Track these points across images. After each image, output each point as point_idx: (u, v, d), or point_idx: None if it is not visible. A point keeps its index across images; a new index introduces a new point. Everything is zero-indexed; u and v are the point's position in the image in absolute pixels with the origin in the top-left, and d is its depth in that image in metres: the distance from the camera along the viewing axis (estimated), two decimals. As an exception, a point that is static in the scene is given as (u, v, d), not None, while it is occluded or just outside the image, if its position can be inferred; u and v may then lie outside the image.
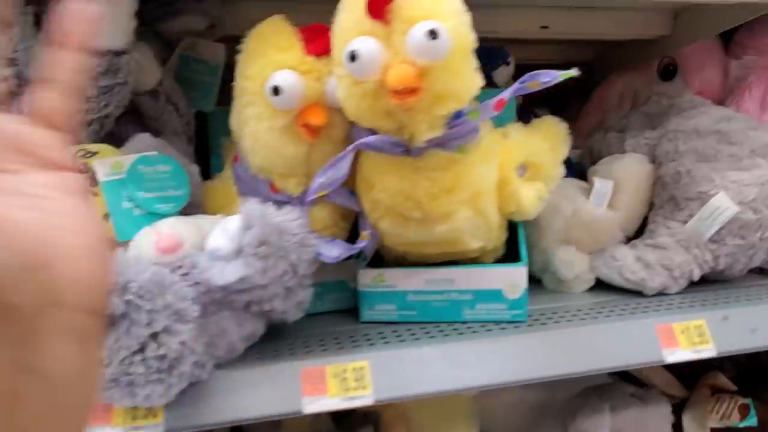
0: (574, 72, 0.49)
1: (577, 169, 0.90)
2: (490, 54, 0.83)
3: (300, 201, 0.54)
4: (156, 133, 0.68)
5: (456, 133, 0.47)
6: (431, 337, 0.57)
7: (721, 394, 0.95)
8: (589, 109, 1.03)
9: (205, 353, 0.48)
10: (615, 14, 0.87)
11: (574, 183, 0.77)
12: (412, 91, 0.42)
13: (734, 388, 0.94)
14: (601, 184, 0.73)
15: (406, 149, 0.47)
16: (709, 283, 0.72)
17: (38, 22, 0.55)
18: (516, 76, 0.94)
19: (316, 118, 0.48)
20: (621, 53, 1.03)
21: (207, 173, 0.66)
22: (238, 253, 0.44)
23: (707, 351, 0.59)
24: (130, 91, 0.60)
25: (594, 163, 0.81)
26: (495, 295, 0.59)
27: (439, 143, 0.47)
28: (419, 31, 0.41)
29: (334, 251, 0.52)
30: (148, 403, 0.45)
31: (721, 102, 0.91)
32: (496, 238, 0.60)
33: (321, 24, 0.51)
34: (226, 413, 0.49)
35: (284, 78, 0.47)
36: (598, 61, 1.12)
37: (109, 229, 0.51)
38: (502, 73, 0.85)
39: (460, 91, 0.44)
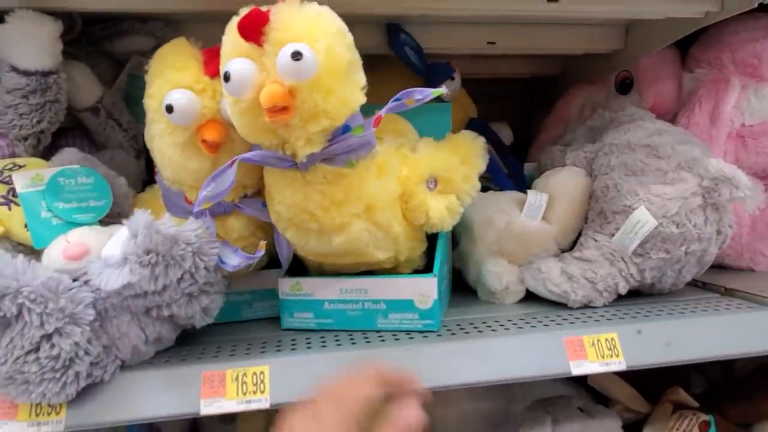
0: (443, 90, 0.51)
1: (531, 182, 0.91)
2: (435, 69, 0.85)
3: (211, 212, 0.57)
4: (101, 147, 0.73)
5: (339, 148, 0.49)
6: (338, 344, 0.58)
7: (683, 411, 0.93)
8: (550, 122, 1.04)
9: (105, 355, 0.51)
10: (563, 29, 0.88)
11: (512, 195, 0.78)
12: (283, 109, 0.44)
13: (696, 404, 0.93)
14: (534, 197, 0.74)
15: (293, 164, 0.50)
16: (641, 296, 0.72)
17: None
18: (468, 90, 0.96)
19: (212, 134, 0.51)
20: (585, 67, 1.04)
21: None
22: (125, 260, 0.47)
23: (617, 364, 0.59)
24: (65, 108, 0.64)
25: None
26: (406, 305, 0.61)
27: (325, 158, 0.50)
28: (285, 52, 0.43)
29: (234, 260, 0.54)
30: (44, 400, 0.48)
31: (676, 116, 0.91)
32: (408, 249, 0.62)
33: (224, 45, 0.54)
34: (127, 413, 0.52)
35: (177, 97, 0.50)
36: (565, 75, 1.13)
37: (28, 238, 0.55)
38: (449, 87, 0.87)
39: (332, 109, 0.46)
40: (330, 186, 0.51)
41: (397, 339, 0.59)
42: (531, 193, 0.75)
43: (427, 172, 0.60)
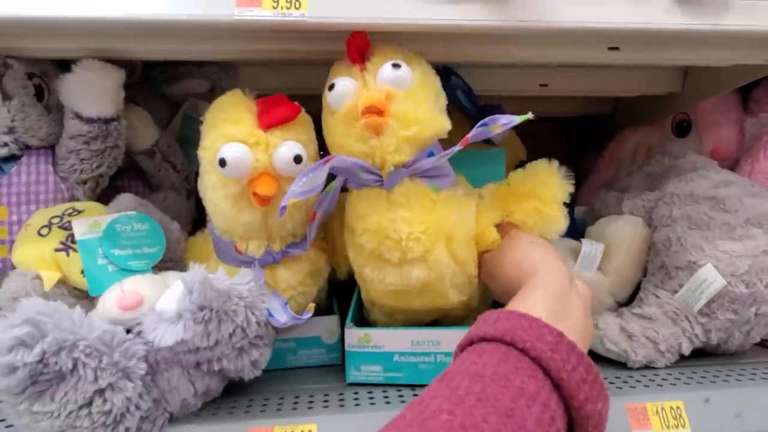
0: (530, 115, 0.50)
1: (582, 226, 0.88)
2: (486, 112, 0.83)
3: (261, 262, 0.57)
4: (154, 188, 0.74)
5: (425, 164, 0.52)
6: (387, 403, 0.57)
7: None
8: (603, 164, 1.01)
9: (154, 408, 0.50)
10: (618, 72, 0.85)
11: (564, 244, 0.75)
12: (378, 113, 0.49)
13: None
14: (589, 247, 0.71)
15: (379, 179, 0.52)
16: (704, 356, 0.68)
17: (39, 93, 0.61)
18: (518, 132, 0.94)
19: (264, 188, 0.50)
20: (637, 108, 1.01)
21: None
22: (179, 317, 0.46)
23: (683, 436, 0.56)
24: (123, 152, 0.65)
25: (594, 222, 0.79)
26: None
27: (410, 177, 0.52)
28: (387, 64, 0.51)
29: (282, 317, 0.53)
30: (94, 454, 0.47)
31: (737, 161, 0.87)
32: (480, 297, 0.60)
33: (279, 96, 0.54)
34: (174, 468, 0.51)
35: (230, 151, 0.50)
36: (616, 114, 1.10)
37: (84, 284, 0.56)
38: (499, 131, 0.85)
39: (423, 117, 0.51)
40: (414, 206, 0.51)
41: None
42: (586, 243, 0.72)
43: (497, 215, 0.59)
